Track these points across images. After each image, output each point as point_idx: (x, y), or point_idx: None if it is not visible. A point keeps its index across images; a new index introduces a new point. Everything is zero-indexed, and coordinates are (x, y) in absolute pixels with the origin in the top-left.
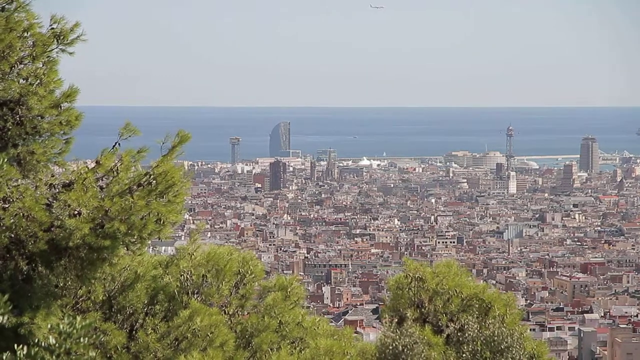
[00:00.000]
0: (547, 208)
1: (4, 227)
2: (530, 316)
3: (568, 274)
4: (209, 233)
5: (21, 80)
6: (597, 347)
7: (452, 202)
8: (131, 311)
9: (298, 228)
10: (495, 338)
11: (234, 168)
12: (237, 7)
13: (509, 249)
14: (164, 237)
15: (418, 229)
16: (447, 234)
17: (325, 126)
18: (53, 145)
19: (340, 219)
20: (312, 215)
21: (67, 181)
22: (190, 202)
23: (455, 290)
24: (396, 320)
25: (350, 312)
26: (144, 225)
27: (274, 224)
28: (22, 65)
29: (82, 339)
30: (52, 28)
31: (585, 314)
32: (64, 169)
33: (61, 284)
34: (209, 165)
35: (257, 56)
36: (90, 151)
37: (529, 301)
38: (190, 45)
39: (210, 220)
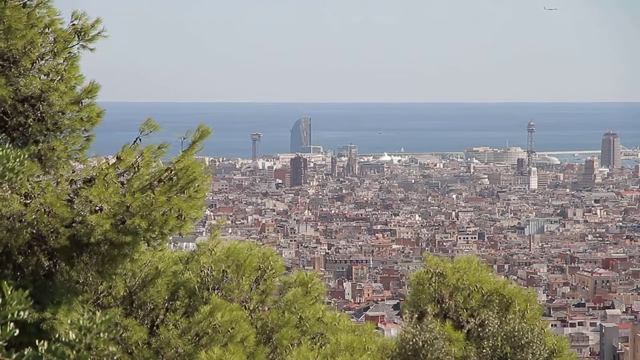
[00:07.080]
0: (568, 204)
1: (25, 223)
2: (552, 312)
3: (589, 270)
4: (230, 229)
5: (42, 77)
6: (619, 343)
7: (473, 198)
8: (152, 307)
9: (319, 224)
10: (516, 333)
11: (255, 164)
12: (257, 1)
13: (530, 245)
14: (184, 233)
15: (439, 224)
16: (468, 229)
17: (346, 122)
18: (74, 141)
19: (361, 214)
20: (333, 211)
21: (88, 177)
22: (211, 197)
23: (476, 286)
24: (417, 315)
25: (371, 307)
26: (165, 221)
27: (294, 219)
28: (43, 62)
29: (102, 334)
30: (73, 24)
31: (606, 310)
32: (84, 165)
33: (82, 280)
34: (230, 161)
35: (278, 52)
36: (110, 147)
37: (550, 297)
38: (211, 40)
39: (231, 216)
